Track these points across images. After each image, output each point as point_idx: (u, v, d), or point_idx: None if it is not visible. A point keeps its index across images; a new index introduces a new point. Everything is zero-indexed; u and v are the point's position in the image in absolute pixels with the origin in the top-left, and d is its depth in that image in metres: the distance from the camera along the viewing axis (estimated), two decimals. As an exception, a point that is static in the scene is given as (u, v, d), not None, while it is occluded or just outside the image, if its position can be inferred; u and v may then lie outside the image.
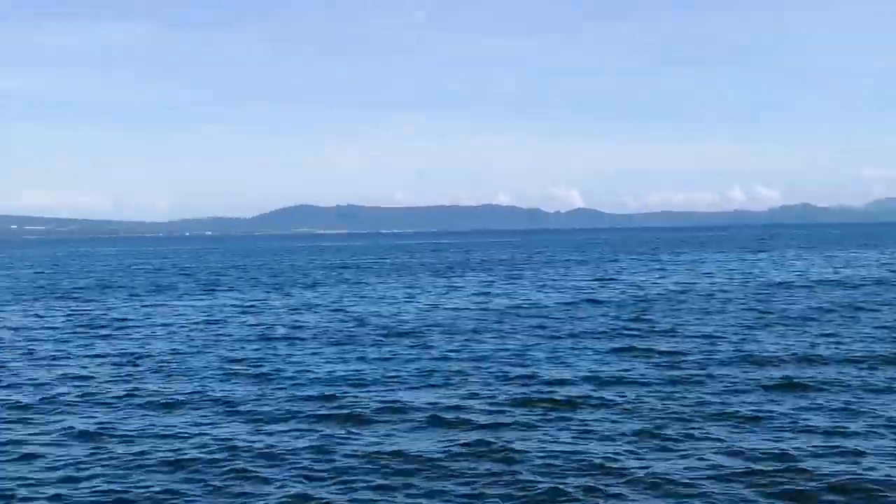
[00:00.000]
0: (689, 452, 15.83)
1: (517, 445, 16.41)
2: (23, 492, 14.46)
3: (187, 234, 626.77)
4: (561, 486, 14.12)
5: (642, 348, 27.28)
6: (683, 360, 24.98)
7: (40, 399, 21.47)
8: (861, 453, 15.52)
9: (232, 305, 46.19)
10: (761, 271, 66.20)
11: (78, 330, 35.92)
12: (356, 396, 20.95)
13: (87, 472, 15.39)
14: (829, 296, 43.46)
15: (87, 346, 31.03)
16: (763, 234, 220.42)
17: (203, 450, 16.60)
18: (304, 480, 14.79)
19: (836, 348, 26.53)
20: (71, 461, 16.03)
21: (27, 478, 15.17)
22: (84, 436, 17.79)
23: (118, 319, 39.90)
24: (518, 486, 14.26)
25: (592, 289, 52.33)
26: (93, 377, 24.50)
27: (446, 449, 16.30)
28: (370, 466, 15.43)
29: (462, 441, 16.78)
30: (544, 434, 17.31)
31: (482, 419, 18.51)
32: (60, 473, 15.37)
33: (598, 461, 15.38)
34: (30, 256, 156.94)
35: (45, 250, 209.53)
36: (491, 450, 16.16)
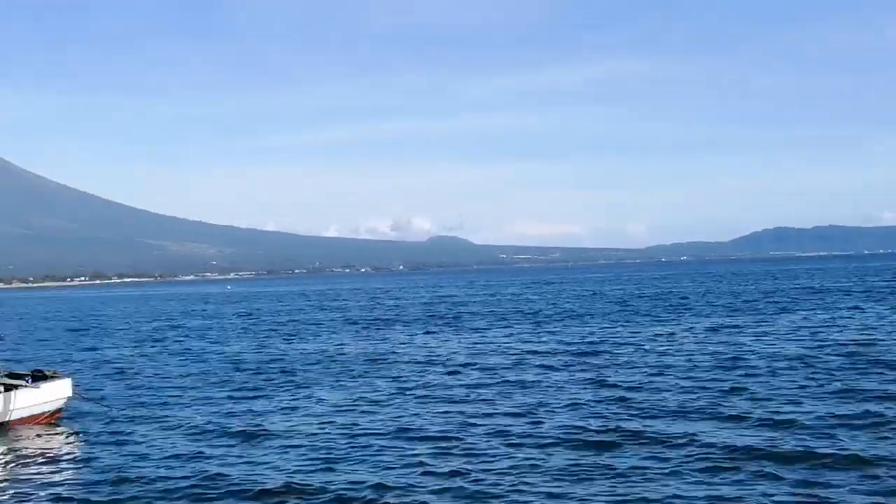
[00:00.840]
0: None
1: None
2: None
3: (663, 259, 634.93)
4: None
5: None
6: None
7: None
8: None
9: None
10: None
11: (569, 351, 39.18)
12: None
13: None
14: None
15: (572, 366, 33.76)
16: None
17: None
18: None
19: None
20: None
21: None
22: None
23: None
24: None
25: None
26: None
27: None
28: None
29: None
30: None
31: None
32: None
33: None
34: (518, 281, 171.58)
35: (533, 276, 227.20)
36: None
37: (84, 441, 22.51)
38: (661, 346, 39.16)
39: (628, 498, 15.51)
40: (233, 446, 20.91)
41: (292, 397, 27.92)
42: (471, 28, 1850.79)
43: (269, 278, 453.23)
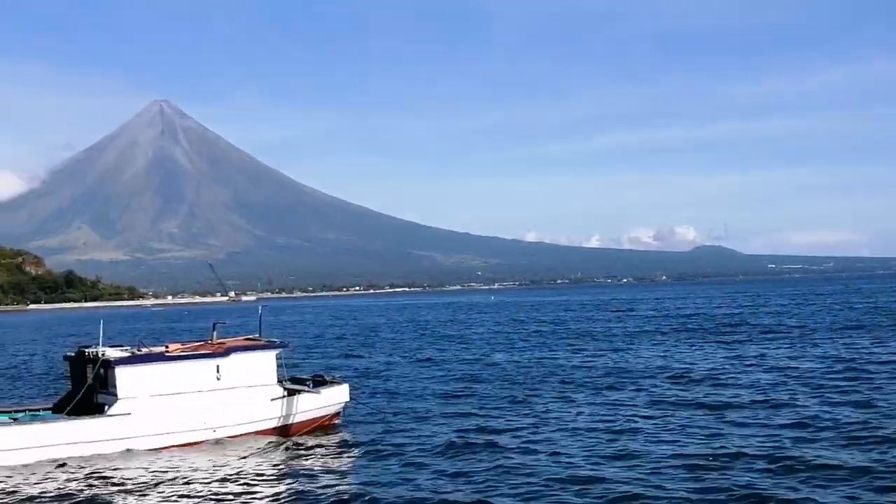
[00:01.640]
0: None
1: None
2: None
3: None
4: None
5: None
6: None
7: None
8: None
9: None
10: None
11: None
12: None
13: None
14: None
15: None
16: None
17: None
18: None
19: None
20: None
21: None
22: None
23: None
24: None
25: None
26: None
27: None
28: None
29: None
30: None
31: None
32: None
33: None
34: (788, 292, 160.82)
35: (803, 287, 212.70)
36: None
37: (360, 448, 22.60)
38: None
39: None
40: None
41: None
42: (735, 31, 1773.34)
43: (531, 288, 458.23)
